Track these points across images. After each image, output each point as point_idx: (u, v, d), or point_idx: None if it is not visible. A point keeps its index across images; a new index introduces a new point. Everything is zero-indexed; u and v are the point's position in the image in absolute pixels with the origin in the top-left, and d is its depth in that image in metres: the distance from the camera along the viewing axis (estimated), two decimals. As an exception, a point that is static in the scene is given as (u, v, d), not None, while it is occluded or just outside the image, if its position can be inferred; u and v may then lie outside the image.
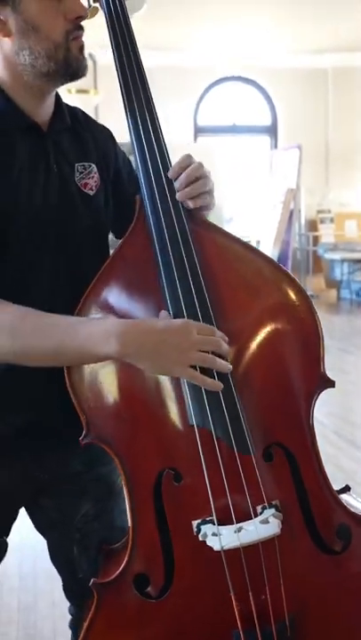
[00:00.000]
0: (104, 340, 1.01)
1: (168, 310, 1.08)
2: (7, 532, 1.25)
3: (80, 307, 1.11)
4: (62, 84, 1.15)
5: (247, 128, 9.85)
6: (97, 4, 1.29)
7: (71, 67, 1.11)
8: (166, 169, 1.16)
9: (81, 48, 1.13)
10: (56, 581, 2.32)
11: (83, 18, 1.12)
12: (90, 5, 1.30)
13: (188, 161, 1.16)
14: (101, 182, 1.23)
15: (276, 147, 9.61)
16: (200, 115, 9.62)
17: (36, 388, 1.16)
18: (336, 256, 8.96)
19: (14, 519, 1.25)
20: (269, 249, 7.56)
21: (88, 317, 1.10)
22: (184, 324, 1.03)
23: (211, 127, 9.69)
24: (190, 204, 1.15)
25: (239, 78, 9.53)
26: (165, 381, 1.09)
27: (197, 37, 8.30)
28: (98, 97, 7.35)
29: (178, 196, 1.15)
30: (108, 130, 1.32)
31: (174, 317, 1.08)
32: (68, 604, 2.29)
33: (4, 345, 1.04)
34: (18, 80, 1.12)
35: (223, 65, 9.14)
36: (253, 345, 1.12)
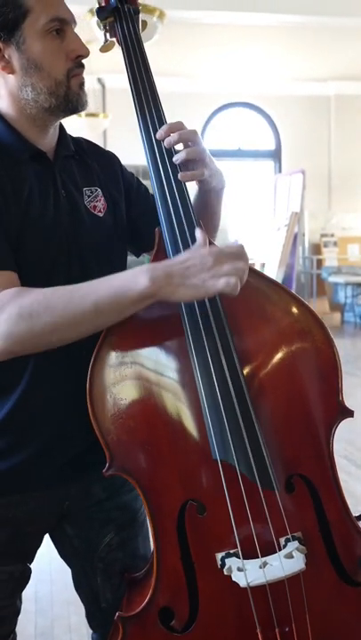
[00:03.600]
0: (135, 281, 1.03)
1: (187, 338, 1.09)
2: (32, 559, 1.26)
3: (100, 341, 1.10)
4: (63, 117, 1.20)
5: (252, 153, 9.95)
6: (114, 39, 1.33)
7: (71, 102, 1.17)
8: (185, 203, 1.16)
9: (81, 84, 1.18)
10: (72, 606, 2.34)
11: (83, 57, 1.17)
12: (107, 40, 1.34)
13: (180, 125, 1.19)
14: (109, 205, 1.27)
15: (280, 171, 9.70)
16: (206, 139, 9.72)
17: (57, 414, 1.17)
18: (340, 279, 8.99)
19: (39, 546, 1.26)
20: (274, 272, 7.58)
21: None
22: (201, 247, 1.05)
23: (216, 151, 9.77)
24: (182, 155, 1.17)
25: (244, 104, 9.65)
26: (188, 413, 1.09)
27: (204, 64, 8.43)
28: (106, 120, 7.44)
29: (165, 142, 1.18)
30: (111, 154, 1.36)
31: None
32: (83, 629, 2.27)
33: (45, 322, 1.04)
34: (22, 113, 1.17)
35: (229, 91, 9.27)
36: (273, 377, 1.13)
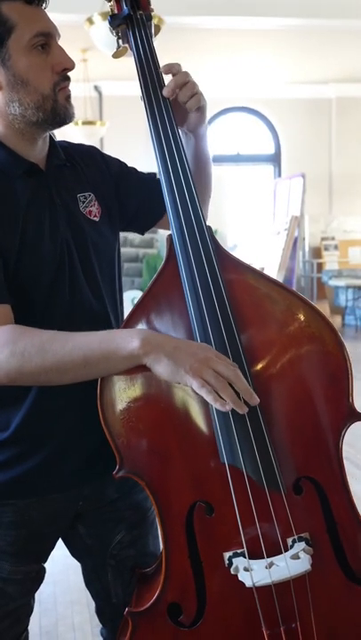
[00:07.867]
0: (128, 339, 1.06)
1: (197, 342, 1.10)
2: (46, 559, 1.28)
3: None
4: (52, 129, 1.22)
5: (251, 157, 9.98)
6: (126, 45, 1.34)
7: (59, 115, 1.18)
8: (197, 211, 1.18)
9: (68, 97, 1.19)
10: (75, 606, 2.38)
11: (69, 69, 1.18)
12: (119, 46, 1.35)
13: (177, 67, 1.23)
14: (103, 208, 1.28)
15: (279, 175, 9.72)
16: (205, 144, 9.74)
17: (69, 420, 1.20)
18: (340, 283, 9.02)
19: (53, 547, 1.28)
20: (274, 276, 7.59)
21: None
22: (205, 344, 1.08)
23: (215, 156, 9.70)
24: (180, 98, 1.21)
25: (243, 109, 9.68)
26: (197, 417, 1.11)
27: (202, 69, 8.44)
28: (103, 128, 7.47)
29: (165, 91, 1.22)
30: (92, 148, 1.37)
31: None
32: (87, 628, 2.30)
33: (36, 364, 1.07)
34: (10, 128, 1.18)
35: (227, 96, 9.30)
36: (283, 381, 1.14)
